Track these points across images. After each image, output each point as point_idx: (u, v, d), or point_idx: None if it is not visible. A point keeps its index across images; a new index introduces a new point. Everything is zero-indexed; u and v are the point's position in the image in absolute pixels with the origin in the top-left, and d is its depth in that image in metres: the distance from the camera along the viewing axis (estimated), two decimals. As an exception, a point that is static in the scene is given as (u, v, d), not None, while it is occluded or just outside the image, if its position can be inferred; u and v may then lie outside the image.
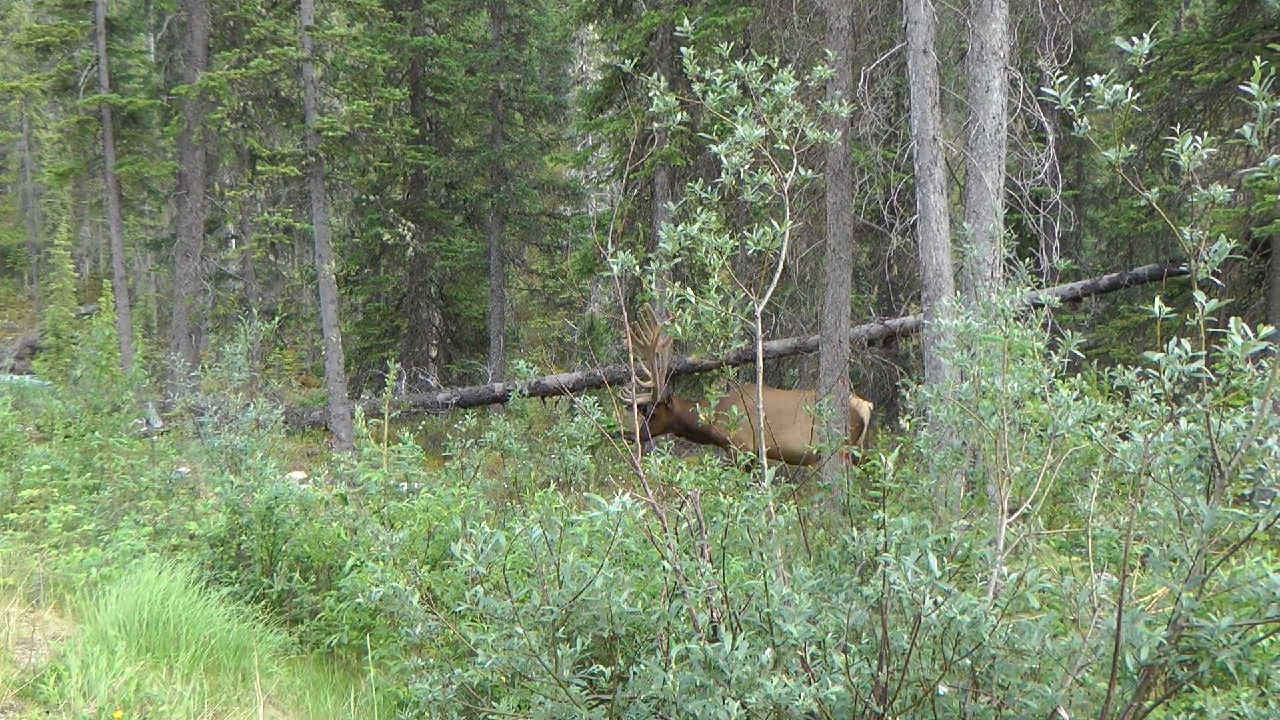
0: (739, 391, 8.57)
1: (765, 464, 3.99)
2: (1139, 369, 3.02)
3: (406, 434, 7.10)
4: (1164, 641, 2.73)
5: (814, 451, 5.90)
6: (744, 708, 2.86)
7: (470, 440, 8.15)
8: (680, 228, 3.89)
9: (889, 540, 3.18)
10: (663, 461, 4.60)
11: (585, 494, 3.84)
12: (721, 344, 4.06)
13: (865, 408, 11.45)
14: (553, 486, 5.81)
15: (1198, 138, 2.85)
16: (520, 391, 9.78)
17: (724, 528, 3.58)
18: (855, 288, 15.21)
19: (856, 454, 5.95)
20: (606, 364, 16.93)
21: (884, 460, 4.08)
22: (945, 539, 3.59)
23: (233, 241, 22.47)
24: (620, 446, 4.18)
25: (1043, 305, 3.89)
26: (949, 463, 4.47)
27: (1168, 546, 2.83)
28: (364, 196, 19.44)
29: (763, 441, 4.11)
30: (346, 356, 17.53)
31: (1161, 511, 2.89)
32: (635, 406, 5.26)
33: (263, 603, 5.66)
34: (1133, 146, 3.16)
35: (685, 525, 3.75)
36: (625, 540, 4.65)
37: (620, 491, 3.12)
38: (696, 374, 15.52)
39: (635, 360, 10.24)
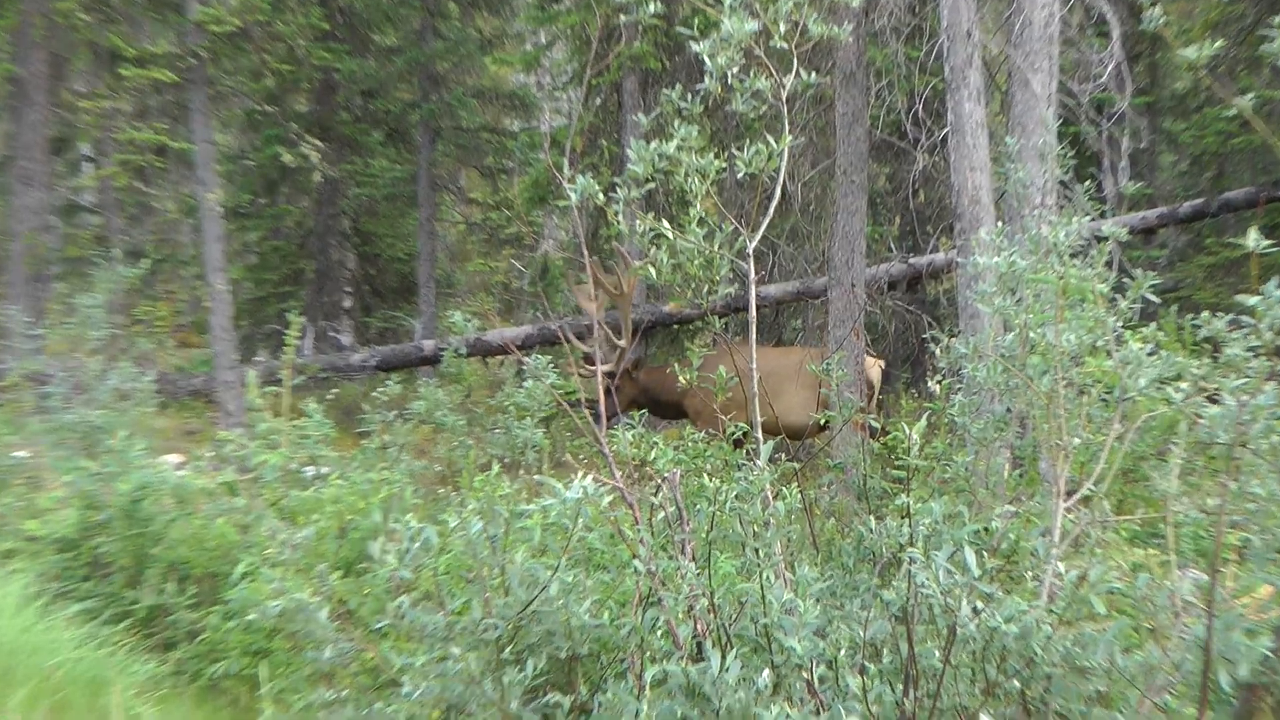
0: (727, 348, 8.53)
1: (760, 438, 3.96)
2: (1230, 315, 3.01)
3: (313, 405, 7.03)
4: (1269, 654, 2.74)
5: (820, 422, 5.90)
6: (737, 744, 2.84)
7: (393, 412, 8.08)
8: (654, 145, 3.89)
9: (915, 532, 3.17)
10: (634, 436, 4.57)
11: (537, 477, 3.82)
12: (706, 289, 4.06)
13: (875, 367, 11.48)
14: (496, 468, 5.77)
15: (1303, 30, 2.82)
16: (456, 350, 9.71)
17: (710, 518, 3.57)
18: (872, 218, 15.15)
19: (875, 424, 5.95)
20: (563, 315, 16.88)
21: (908, 432, 4.06)
22: (986, 529, 3.59)
23: (88, 165, 22.08)
24: (580, 418, 4.15)
25: (1107, 238, 3.87)
26: (990, 434, 4.48)
27: (1272, 535, 2.83)
28: (259, 108, 19.13)
29: (757, 410, 4.08)
30: (236, 308, 17.29)
31: (1262, 491, 2.90)
32: (601, 373, 5.23)
33: (126, 623, 5.57)
34: (1220, 42, 3.14)
35: (662, 515, 3.73)
36: (587, 535, 4.62)
37: (581, 474, 3.09)
38: (675, 326, 15.49)
39: (595, 312, 10.14)
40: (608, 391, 10.15)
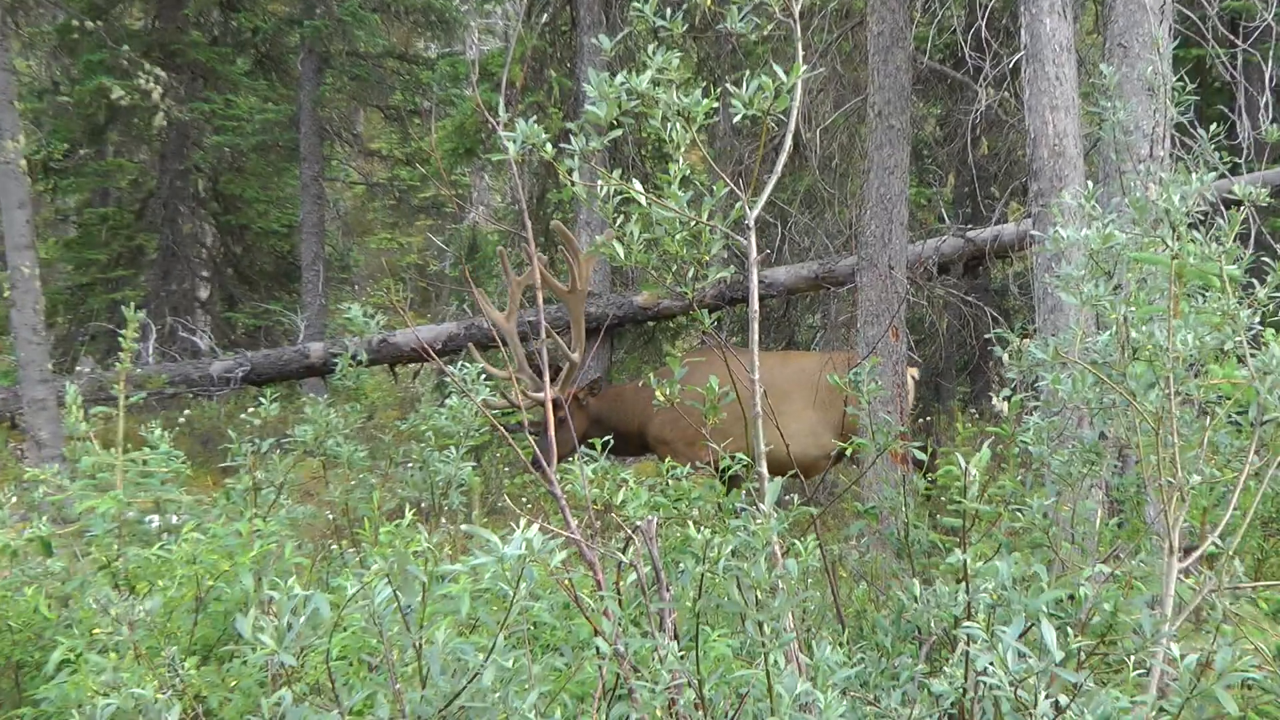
0: (720, 354, 8.57)
1: (765, 473, 3.96)
2: None
3: (158, 432, 7.00)
4: None
5: (848, 453, 5.90)
6: None
7: (269, 440, 8.06)
8: (621, 78, 3.90)
9: (975, 600, 3.18)
10: (595, 471, 4.57)
11: (465, 527, 3.81)
12: (691, 274, 4.06)
13: (908, 375, 11.49)
14: (410, 515, 5.75)
15: None
16: (354, 357, 9.68)
17: (698, 580, 3.56)
18: (917, 177, 15.21)
19: (919, 455, 5.96)
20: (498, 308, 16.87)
21: (966, 466, 4.08)
22: (1072, 597, 3.60)
23: None
24: (524, 447, 4.14)
25: (1241, 202, 3.89)
26: (1077, 469, 4.48)
27: None
28: (76, 23, 19.06)
29: (761, 437, 4.08)
30: (50, 300, 17.26)
31: None
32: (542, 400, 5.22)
33: (-105, 732, 5.55)
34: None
35: (633, 578, 3.72)
36: (533, 605, 4.62)
37: (524, 522, 3.08)
38: (651, 324, 15.50)
39: (505, 323, 10.01)
40: (560, 421, 10.11)
